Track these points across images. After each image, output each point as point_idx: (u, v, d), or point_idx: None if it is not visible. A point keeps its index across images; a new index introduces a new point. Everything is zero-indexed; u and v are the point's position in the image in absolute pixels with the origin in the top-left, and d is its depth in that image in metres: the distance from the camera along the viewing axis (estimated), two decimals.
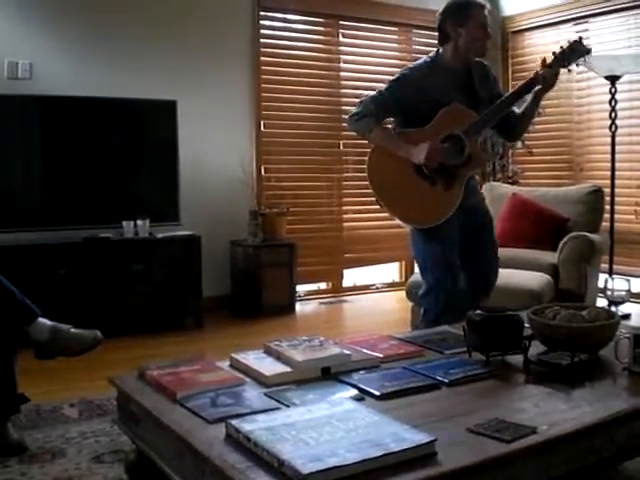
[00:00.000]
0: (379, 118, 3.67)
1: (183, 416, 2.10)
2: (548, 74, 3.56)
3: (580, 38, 3.62)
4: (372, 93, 3.70)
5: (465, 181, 3.61)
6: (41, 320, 3.06)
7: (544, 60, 3.63)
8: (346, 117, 3.78)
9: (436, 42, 6.92)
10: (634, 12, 6.30)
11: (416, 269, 7.02)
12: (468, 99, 3.63)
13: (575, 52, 3.58)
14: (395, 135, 3.72)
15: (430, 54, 3.77)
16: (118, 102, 5.45)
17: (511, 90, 3.63)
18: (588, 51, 3.61)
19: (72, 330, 3.11)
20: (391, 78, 3.74)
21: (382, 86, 3.73)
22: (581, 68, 5.81)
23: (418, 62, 3.77)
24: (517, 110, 3.76)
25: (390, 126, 3.83)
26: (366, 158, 3.80)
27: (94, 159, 5.38)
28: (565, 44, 3.61)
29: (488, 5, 3.67)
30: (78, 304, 4.89)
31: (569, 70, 3.71)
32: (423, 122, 3.60)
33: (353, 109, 3.71)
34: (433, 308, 3.71)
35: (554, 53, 3.60)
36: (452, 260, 3.69)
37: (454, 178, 3.59)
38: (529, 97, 3.71)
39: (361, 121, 3.66)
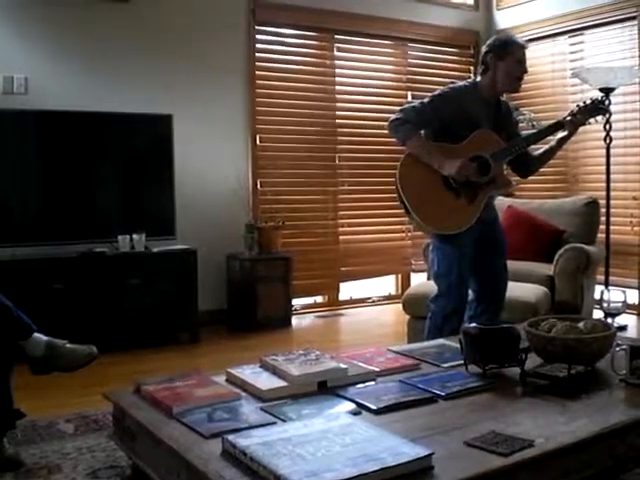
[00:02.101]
0: (418, 128, 3.85)
1: (179, 431, 2.09)
2: (578, 121, 3.88)
3: (603, 97, 4.03)
4: (413, 103, 3.91)
5: (486, 198, 3.83)
6: (37, 335, 3.05)
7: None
8: (386, 122, 3.90)
9: (430, 55, 7.02)
10: (628, 24, 6.32)
11: (412, 282, 7.08)
12: (493, 128, 3.86)
13: (596, 109, 3.91)
14: (431, 145, 3.87)
15: (468, 80, 4.07)
16: (114, 116, 5.44)
17: (538, 129, 3.98)
18: (607, 111, 4.03)
19: (68, 345, 3.10)
20: (432, 93, 3.94)
21: (423, 98, 3.95)
22: (575, 80, 5.87)
23: (458, 84, 3.99)
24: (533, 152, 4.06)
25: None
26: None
27: (90, 174, 5.38)
28: (588, 100, 3.94)
29: (527, 47, 3.96)
30: (74, 319, 4.88)
31: (589, 123, 4.00)
32: (454, 138, 3.81)
33: (394, 115, 3.85)
34: (440, 311, 3.88)
35: (578, 105, 3.93)
36: (463, 270, 3.88)
37: (477, 194, 3.80)
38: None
39: (402, 127, 3.80)
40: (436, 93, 3.92)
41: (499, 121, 3.90)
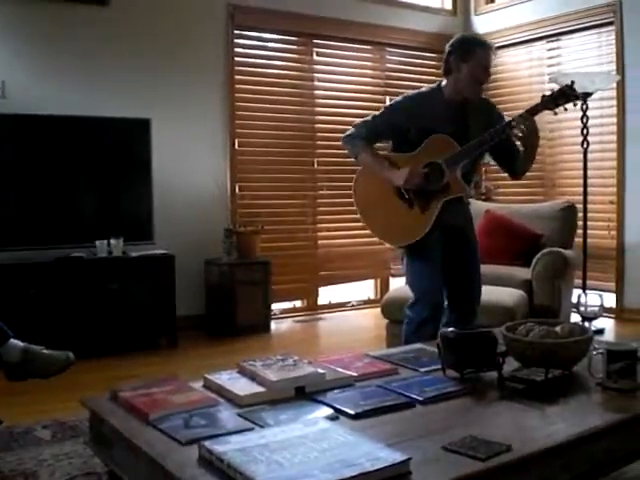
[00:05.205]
0: (369, 141, 3.86)
1: (155, 438, 2.07)
2: (518, 121, 3.63)
3: (572, 82, 3.65)
4: (367, 117, 3.90)
5: (439, 206, 3.73)
6: (13, 341, 3.03)
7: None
8: (341, 135, 3.95)
9: (408, 60, 6.99)
10: (605, 29, 6.38)
11: (391, 286, 7.09)
12: (459, 131, 3.73)
13: (563, 96, 3.61)
14: (381, 158, 3.87)
15: (432, 85, 3.92)
16: (92, 121, 5.42)
17: (491, 130, 3.66)
18: (577, 96, 3.64)
19: (44, 351, 3.09)
20: (386, 104, 3.98)
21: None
22: (553, 85, 5.89)
23: (416, 91, 3.94)
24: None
25: (386, 151, 3.99)
26: (346, 179, 4.11)
27: (67, 178, 5.35)
28: (556, 87, 3.69)
29: (494, 48, 3.81)
30: (50, 325, 4.85)
31: (555, 113, 3.69)
32: (413, 147, 3.77)
33: (349, 129, 3.90)
34: (416, 317, 3.83)
35: (543, 96, 3.66)
36: (435, 275, 3.85)
37: (430, 202, 3.73)
38: None
39: (352, 142, 3.87)
40: (388, 104, 3.97)
41: (467, 122, 3.77)
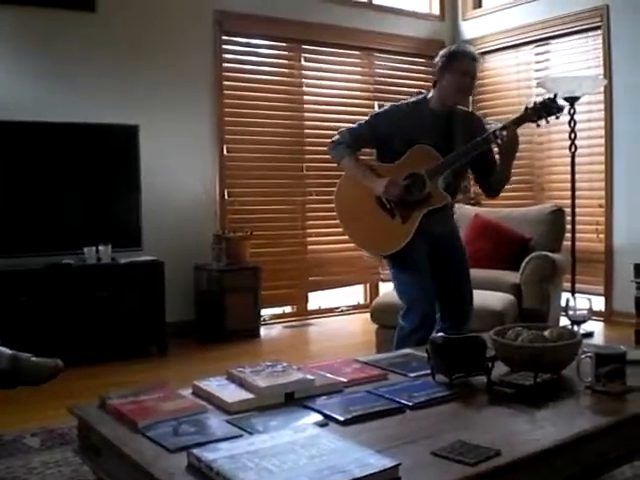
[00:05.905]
0: (353, 148, 3.88)
1: (144, 445, 2.06)
2: (501, 135, 3.65)
3: (555, 95, 3.69)
4: (353, 125, 3.93)
5: (420, 216, 3.74)
6: (1, 349, 3.02)
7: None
8: (328, 141, 3.98)
9: (397, 65, 7.03)
10: (593, 34, 6.41)
11: (381, 291, 7.09)
12: (444, 142, 3.75)
13: (545, 108, 3.63)
14: (364, 166, 3.90)
15: (419, 95, 3.94)
16: (79, 127, 5.41)
17: (473, 141, 3.68)
18: (559, 109, 3.66)
19: (33, 359, 3.08)
20: (373, 112, 4.02)
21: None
22: (541, 90, 5.91)
23: (403, 101, 3.95)
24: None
25: (371, 158, 4.03)
26: (335, 184, 4.04)
27: (55, 185, 5.34)
28: (539, 100, 3.71)
29: (479, 58, 3.82)
30: (39, 332, 4.83)
31: (538, 125, 3.71)
32: (396, 157, 3.79)
33: (335, 136, 3.93)
34: (408, 326, 3.81)
35: (526, 108, 3.67)
36: (424, 283, 3.83)
37: (411, 213, 3.75)
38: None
39: (336, 148, 3.91)
40: (374, 112, 4.00)
41: (451, 134, 3.78)
